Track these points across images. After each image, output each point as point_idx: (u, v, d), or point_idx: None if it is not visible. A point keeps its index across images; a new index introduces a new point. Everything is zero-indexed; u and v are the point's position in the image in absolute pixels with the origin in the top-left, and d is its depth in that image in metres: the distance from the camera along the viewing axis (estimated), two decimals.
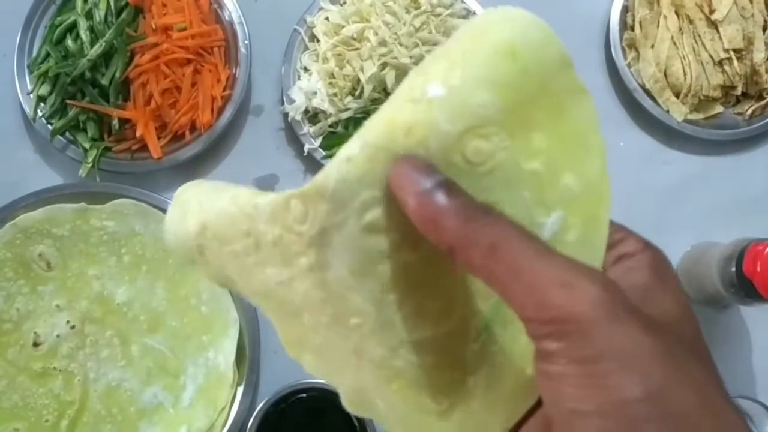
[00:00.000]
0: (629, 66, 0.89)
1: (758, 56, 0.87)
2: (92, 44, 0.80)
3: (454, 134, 0.29)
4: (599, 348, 0.27)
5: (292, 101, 0.83)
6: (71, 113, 0.81)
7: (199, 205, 0.34)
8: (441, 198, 0.28)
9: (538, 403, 0.33)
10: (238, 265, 0.33)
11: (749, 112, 0.89)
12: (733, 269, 0.74)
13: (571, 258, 0.28)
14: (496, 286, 0.28)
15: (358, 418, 0.75)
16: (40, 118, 0.82)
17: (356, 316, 0.31)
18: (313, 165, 0.85)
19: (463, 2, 0.86)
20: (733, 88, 0.88)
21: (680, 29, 0.89)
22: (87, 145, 0.81)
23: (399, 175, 0.29)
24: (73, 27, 0.82)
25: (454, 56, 0.30)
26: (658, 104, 0.88)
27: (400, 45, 0.82)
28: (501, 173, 0.30)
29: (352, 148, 0.29)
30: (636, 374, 0.26)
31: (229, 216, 0.32)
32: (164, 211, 0.80)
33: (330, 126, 0.83)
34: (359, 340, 0.31)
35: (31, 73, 0.83)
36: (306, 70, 0.85)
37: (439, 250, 0.29)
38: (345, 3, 0.85)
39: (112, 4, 0.81)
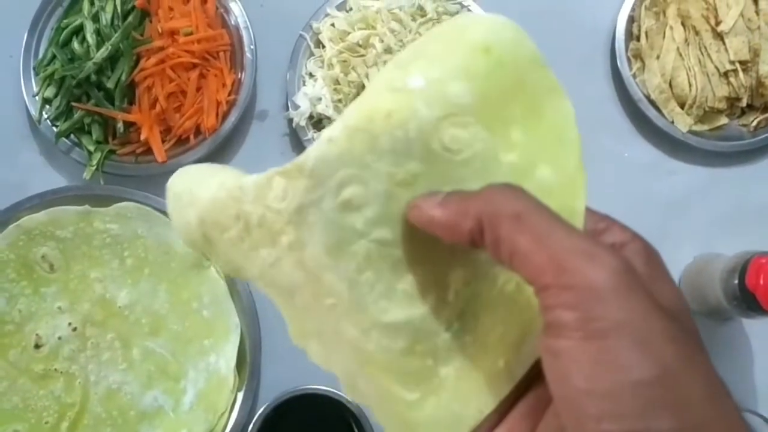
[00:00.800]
0: (634, 76, 0.89)
1: (764, 68, 0.87)
2: (98, 47, 0.80)
3: (432, 119, 0.30)
4: (614, 320, 0.26)
5: (296, 107, 0.84)
6: (76, 116, 0.81)
7: (191, 195, 0.34)
8: (458, 195, 0.30)
9: (525, 388, 0.33)
10: (237, 251, 0.33)
11: (754, 123, 0.89)
12: (736, 282, 0.74)
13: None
14: (517, 258, 0.28)
15: (357, 424, 0.75)
16: (45, 120, 0.82)
17: (331, 297, 0.31)
18: None
19: (469, 10, 0.86)
20: (739, 99, 0.88)
21: (686, 40, 0.89)
22: (91, 148, 0.81)
23: (413, 208, 0.30)
24: (79, 30, 0.82)
25: (432, 53, 0.32)
26: (663, 115, 0.88)
27: None
28: (479, 163, 0.32)
29: (333, 130, 0.30)
30: (649, 354, 0.26)
31: (219, 202, 0.33)
32: (167, 214, 0.80)
33: None
34: (336, 322, 0.32)
35: (36, 75, 0.83)
36: (311, 75, 0.85)
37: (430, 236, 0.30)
38: (351, 9, 0.86)
39: (118, 7, 0.82)
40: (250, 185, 0.31)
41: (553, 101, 0.33)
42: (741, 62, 0.87)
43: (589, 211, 0.34)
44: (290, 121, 0.84)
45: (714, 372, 0.28)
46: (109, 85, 0.79)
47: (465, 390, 0.32)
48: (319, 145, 0.30)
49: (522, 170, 0.32)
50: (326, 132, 0.30)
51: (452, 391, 0.32)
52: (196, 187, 0.34)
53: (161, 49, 0.81)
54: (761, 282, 0.71)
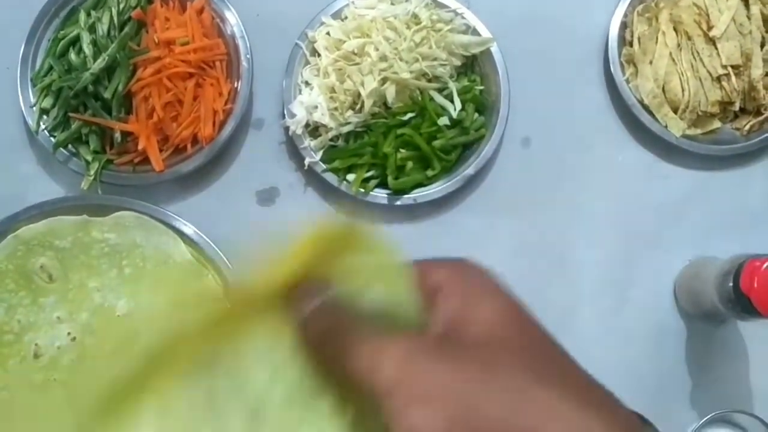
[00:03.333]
0: (628, 81, 0.89)
1: (756, 72, 0.88)
2: (95, 58, 0.80)
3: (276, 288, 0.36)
4: (401, 401, 0.31)
5: (293, 115, 0.84)
6: (74, 126, 0.81)
7: None
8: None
9: None
10: None
11: (747, 127, 0.90)
12: (731, 285, 0.74)
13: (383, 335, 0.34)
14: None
15: None
16: (43, 130, 0.83)
17: None
18: (313, 178, 0.86)
19: (463, 18, 0.87)
20: (731, 103, 0.89)
21: (679, 45, 0.89)
22: (89, 158, 0.82)
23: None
24: (76, 40, 0.82)
25: None
26: (656, 119, 0.89)
27: (401, 60, 0.82)
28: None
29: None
30: (431, 408, 0.31)
31: None
32: (165, 223, 0.80)
33: (330, 140, 0.84)
34: None
35: (34, 86, 0.83)
36: (307, 84, 0.85)
37: None
38: (346, 18, 0.86)
39: (115, 18, 0.82)
40: None
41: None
42: (733, 66, 0.88)
43: (416, 265, 0.37)
44: (287, 129, 0.85)
45: (527, 388, 0.31)
46: (107, 95, 0.80)
47: None
48: None
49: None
50: None
51: None
52: None
53: (158, 59, 0.82)
54: (755, 285, 0.71)
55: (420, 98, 0.84)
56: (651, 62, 0.89)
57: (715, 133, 0.90)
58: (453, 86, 0.85)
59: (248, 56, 0.85)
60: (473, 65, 0.89)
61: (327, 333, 0.35)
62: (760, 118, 0.90)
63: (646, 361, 0.86)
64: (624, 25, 0.91)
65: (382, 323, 0.36)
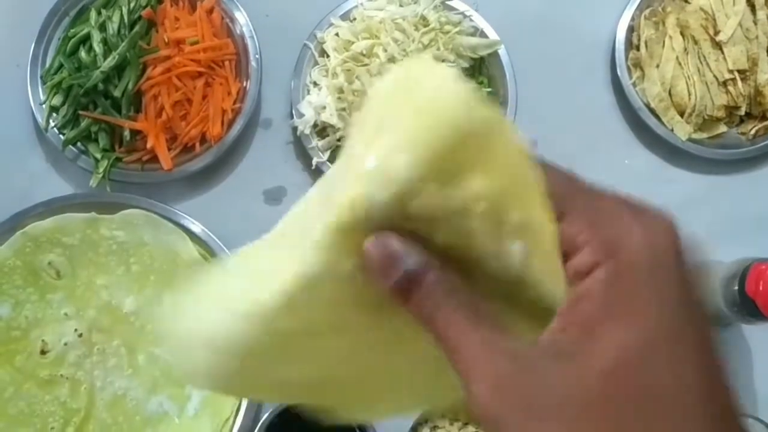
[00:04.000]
0: (634, 85, 0.90)
1: (762, 77, 0.88)
2: (105, 56, 0.81)
3: (390, 200, 0.30)
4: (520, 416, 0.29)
5: (301, 115, 0.84)
6: (83, 124, 0.82)
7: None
8: (409, 290, 0.31)
9: None
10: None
11: (753, 132, 0.90)
12: (736, 288, 0.74)
13: (495, 329, 0.30)
14: (447, 354, 0.31)
15: (360, 427, 0.75)
16: (52, 128, 0.83)
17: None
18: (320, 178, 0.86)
19: (471, 20, 0.87)
20: (737, 108, 0.89)
21: (685, 49, 0.90)
22: (98, 156, 0.82)
23: (373, 260, 0.31)
24: (86, 39, 0.83)
25: (399, 131, 0.31)
26: (662, 123, 0.89)
27: None
28: (455, 219, 0.31)
29: (317, 235, 0.31)
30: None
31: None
32: (173, 221, 0.81)
33: (338, 140, 0.84)
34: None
35: (44, 83, 0.84)
36: (315, 84, 0.86)
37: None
38: (355, 19, 0.86)
39: (125, 17, 0.83)
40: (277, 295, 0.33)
41: (501, 135, 0.33)
42: (739, 71, 0.88)
43: (574, 218, 0.33)
44: (294, 129, 0.85)
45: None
46: (116, 93, 0.80)
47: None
48: (313, 253, 0.31)
49: (495, 217, 0.31)
50: (313, 234, 0.31)
51: None
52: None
53: (167, 58, 0.82)
54: (761, 288, 0.71)
55: None
56: (658, 66, 0.90)
57: (720, 137, 0.90)
58: None
59: (257, 56, 0.85)
60: (481, 67, 0.89)
61: (435, 308, 0.31)
62: (766, 122, 0.90)
63: None
64: (631, 29, 0.91)
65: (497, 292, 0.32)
